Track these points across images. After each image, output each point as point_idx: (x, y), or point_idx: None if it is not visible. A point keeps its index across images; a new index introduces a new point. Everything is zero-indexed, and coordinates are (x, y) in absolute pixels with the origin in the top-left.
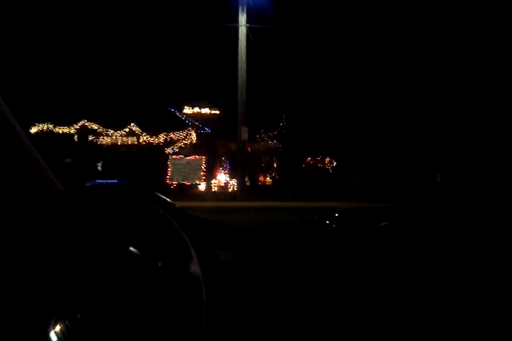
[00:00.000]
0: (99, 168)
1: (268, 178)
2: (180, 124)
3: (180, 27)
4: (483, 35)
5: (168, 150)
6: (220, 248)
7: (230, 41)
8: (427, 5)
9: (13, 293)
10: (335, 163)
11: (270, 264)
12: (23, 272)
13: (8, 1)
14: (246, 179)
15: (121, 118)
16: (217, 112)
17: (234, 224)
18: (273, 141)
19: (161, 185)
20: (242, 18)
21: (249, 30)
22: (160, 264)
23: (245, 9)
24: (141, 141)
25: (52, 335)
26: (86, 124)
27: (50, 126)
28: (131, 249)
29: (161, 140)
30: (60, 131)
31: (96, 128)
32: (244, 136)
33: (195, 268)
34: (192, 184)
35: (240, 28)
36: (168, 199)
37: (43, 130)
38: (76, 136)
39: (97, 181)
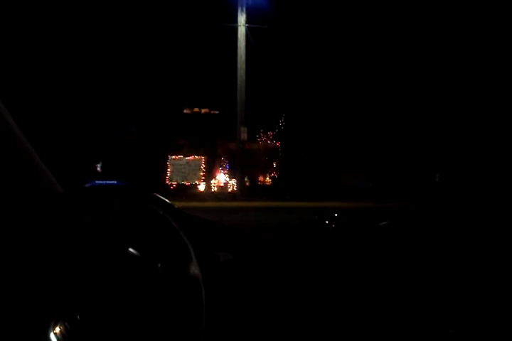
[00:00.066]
0: (99, 168)
1: (268, 178)
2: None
3: (180, 27)
4: (482, 34)
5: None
6: (220, 248)
7: (230, 41)
8: (427, 5)
9: (13, 294)
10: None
11: (270, 264)
12: (23, 273)
13: (11, 2)
14: (245, 179)
15: (122, 119)
16: (217, 112)
17: (233, 224)
18: (272, 141)
19: (161, 186)
20: (242, 18)
21: (248, 30)
22: (159, 265)
23: (244, 9)
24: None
25: (52, 337)
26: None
27: None
28: (131, 250)
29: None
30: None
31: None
32: (244, 135)
33: (194, 269)
34: (191, 184)
35: (240, 28)
36: (167, 200)
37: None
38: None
39: (96, 182)
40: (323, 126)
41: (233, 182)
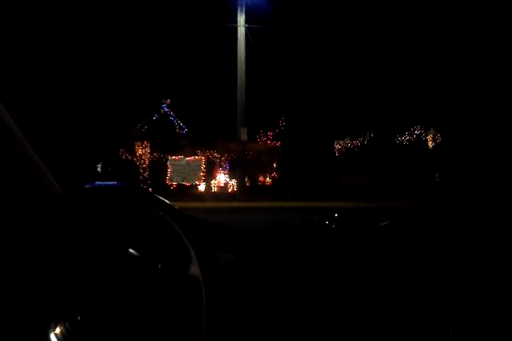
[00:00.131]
0: (99, 169)
1: (268, 178)
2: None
3: (179, 27)
4: (482, 34)
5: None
6: (220, 249)
7: (229, 41)
8: (426, 5)
9: (14, 295)
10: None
11: (270, 265)
12: (24, 274)
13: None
14: (246, 179)
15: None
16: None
17: (233, 225)
18: (272, 141)
19: (161, 186)
20: (241, 19)
21: (248, 30)
22: (160, 266)
23: (244, 9)
24: None
25: (53, 337)
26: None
27: None
28: (131, 250)
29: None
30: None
31: None
32: (244, 136)
33: (194, 269)
34: (192, 184)
35: (239, 29)
36: (167, 201)
37: None
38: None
39: (96, 183)
40: (323, 126)
41: (233, 182)
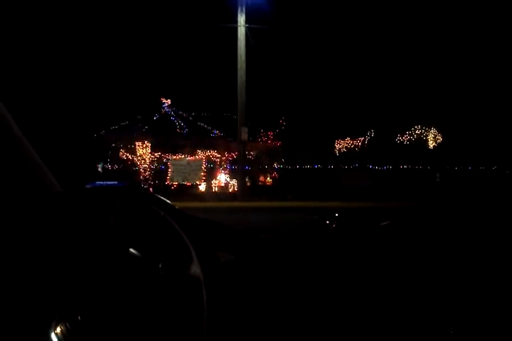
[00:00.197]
0: (100, 169)
1: (268, 178)
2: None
3: (180, 28)
4: (482, 34)
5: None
6: (221, 249)
7: (229, 42)
8: (426, 5)
9: (14, 295)
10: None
11: (270, 265)
12: (24, 274)
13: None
14: (246, 179)
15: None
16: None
17: (234, 225)
18: (273, 141)
19: (162, 186)
20: (241, 19)
21: (248, 30)
22: (160, 266)
23: (244, 9)
24: None
25: (53, 337)
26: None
27: None
28: (132, 250)
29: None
30: None
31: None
32: (244, 136)
33: (195, 269)
34: (192, 184)
35: (239, 29)
36: (168, 201)
37: None
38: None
39: (97, 183)
40: (324, 126)
41: (234, 182)
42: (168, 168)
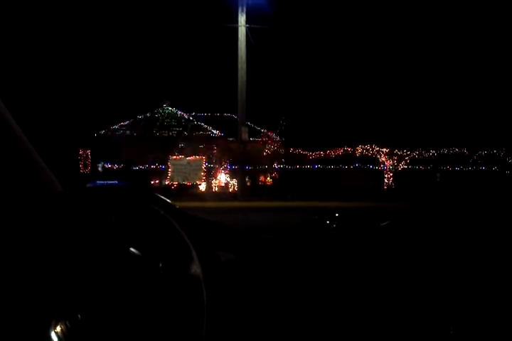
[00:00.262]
0: (100, 169)
1: (268, 178)
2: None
3: (180, 28)
4: (481, 33)
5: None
6: (221, 248)
7: (230, 41)
8: (424, 6)
9: (14, 293)
10: None
11: (271, 264)
12: (24, 273)
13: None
14: (246, 179)
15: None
16: None
17: (234, 225)
18: (273, 141)
19: (162, 186)
20: (242, 19)
21: (248, 30)
22: (161, 265)
23: (245, 10)
24: None
25: (53, 336)
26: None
27: None
28: (132, 249)
29: None
30: None
31: None
32: (245, 136)
33: (195, 268)
34: (192, 184)
35: (240, 29)
36: (168, 200)
37: None
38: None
39: (98, 182)
40: (324, 126)
41: (234, 182)
42: (168, 167)
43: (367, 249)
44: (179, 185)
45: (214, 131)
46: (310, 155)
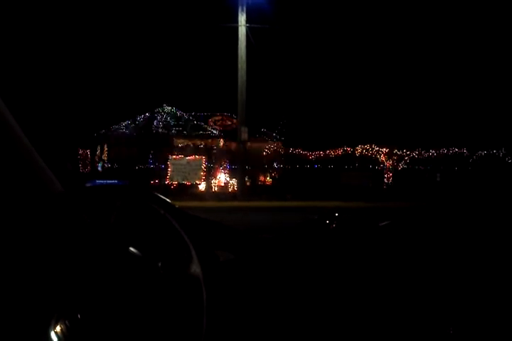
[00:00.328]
0: (99, 168)
1: (268, 178)
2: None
3: (181, 27)
4: (481, 34)
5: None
6: (220, 248)
7: (230, 41)
8: (424, 6)
9: (14, 293)
10: None
11: (270, 264)
12: (24, 272)
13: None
14: (246, 179)
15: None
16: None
17: (234, 224)
18: (273, 141)
19: (161, 185)
20: (242, 18)
21: (248, 30)
22: (160, 264)
23: (245, 9)
24: None
25: (53, 335)
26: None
27: None
28: (132, 249)
29: None
30: None
31: None
32: (245, 135)
33: (195, 268)
34: (192, 184)
35: (240, 28)
36: (168, 200)
37: None
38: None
39: (97, 181)
40: (324, 126)
41: (234, 182)
42: (167, 167)
43: (366, 249)
44: (179, 184)
45: (214, 131)
46: (310, 155)
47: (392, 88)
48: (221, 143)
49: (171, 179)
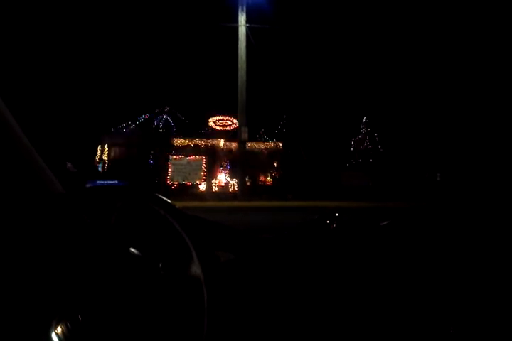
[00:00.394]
0: (100, 168)
1: (268, 178)
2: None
3: (180, 27)
4: (481, 34)
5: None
6: (221, 248)
7: (230, 41)
8: (424, 6)
9: (15, 294)
10: None
11: (271, 264)
12: (24, 273)
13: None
14: (246, 179)
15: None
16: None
17: (234, 224)
18: (273, 141)
19: (162, 185)
20: (242, 18)
21: (248, 30)
22: (161, 265)
23: (245, 9)
24: None
25: (54, 336)
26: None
27: None
28: (132, 250)
29: None
30: None
31: None
32: (245, 136)
33: (195, 269)
34: (192, 184)
35: (240, 28)
36: (168, 200)
37: None
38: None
39: (98, 182)
40: (324, 126)
41: (234, 182)
42: (168, 167)
43: (367, 249)
44: (179, 184)
45: (214, 131)
46: (309, 154)
47: (392, 88)
48: (221, 144)
49: (172, 179)
